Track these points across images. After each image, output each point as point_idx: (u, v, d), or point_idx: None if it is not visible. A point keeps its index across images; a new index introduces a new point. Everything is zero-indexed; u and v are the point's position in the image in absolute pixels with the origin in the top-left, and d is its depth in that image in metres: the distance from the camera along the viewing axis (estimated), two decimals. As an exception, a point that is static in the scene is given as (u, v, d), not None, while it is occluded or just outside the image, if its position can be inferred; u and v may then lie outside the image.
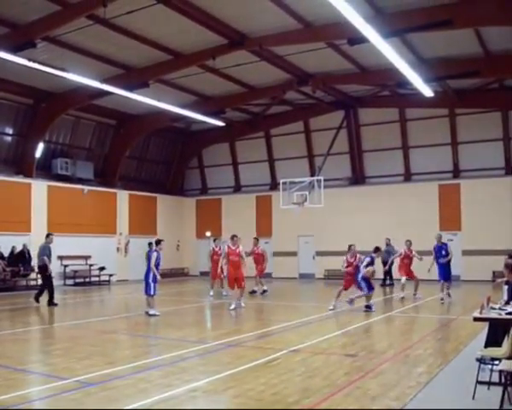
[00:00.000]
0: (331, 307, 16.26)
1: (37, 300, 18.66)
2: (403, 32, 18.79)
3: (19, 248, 25.30)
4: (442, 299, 18.35)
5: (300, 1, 17.95)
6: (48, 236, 19.30)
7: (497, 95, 27.17)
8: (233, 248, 17.08)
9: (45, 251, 18.74)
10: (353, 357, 9.70)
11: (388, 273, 24.96)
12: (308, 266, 32.15)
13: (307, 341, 11.44)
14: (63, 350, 10.74)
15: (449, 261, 18.72)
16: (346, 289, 16.76)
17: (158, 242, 16.19)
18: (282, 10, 18.49)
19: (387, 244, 25.01)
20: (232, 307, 16.81)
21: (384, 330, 13.93)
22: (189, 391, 7.56)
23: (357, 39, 16.98)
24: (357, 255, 16.74)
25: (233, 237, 17.35)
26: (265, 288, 21.87)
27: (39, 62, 19.06)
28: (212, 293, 21.19)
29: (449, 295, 18.70)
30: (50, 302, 18.45)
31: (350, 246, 17.13)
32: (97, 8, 17.31)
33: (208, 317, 17.33)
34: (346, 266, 16.68)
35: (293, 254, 32.18)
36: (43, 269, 18.71)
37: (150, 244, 19.22)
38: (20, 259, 25.20)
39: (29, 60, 18.28)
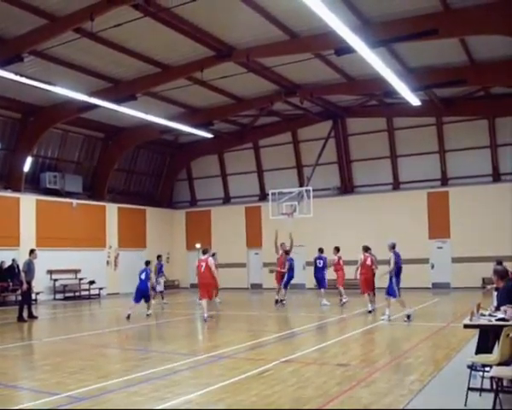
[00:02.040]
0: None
1: (20, 319, 18.53)
2: (389, 42, 18.88)
3: (8, 263, 25.14)
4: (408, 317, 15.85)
5: (287, 12, 18.03)
6: (32, 252, 19.34)
7: (484, 103, 27.41)
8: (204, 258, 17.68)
9: (25, 267, 18.85)
10: (345, 366, 9.70)
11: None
12: (298, 276, 32.00)
13: (299, 351, 11.45)
14: (54, 365, 10.66)
15: (391, 274, 16.15)
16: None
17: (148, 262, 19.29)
18: (268, 22, 18.57)
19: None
20: (209, 316, 17.30)
21: (375, 339, 13.94)
22: (182, 404, 7.54)
23: (344, 50, 17.06)
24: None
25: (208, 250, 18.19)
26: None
27: (27, 76, 19.01)
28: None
29: (408, 317, 15.82)
30: (29, 316, 18.89)
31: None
32: (84, 22, 17.33)
33: (199, 329, 17.27)
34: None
35: (284, 264, 32.15)
36: (20, 285, 18.89)
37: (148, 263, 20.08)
38: (9, 274, 25.03)
39: (16, 74, 18.23)
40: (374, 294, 18.49)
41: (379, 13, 18.23)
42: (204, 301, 17.41)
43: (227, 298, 22.75)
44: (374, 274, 18.33)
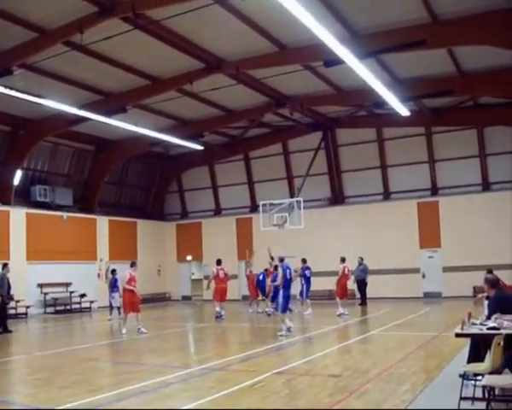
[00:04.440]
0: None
1: None
2: (378, 53, 19.02)
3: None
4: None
5: (276, 24, 18.09)
6: (5, 266, 19.50)
7: (472, 112, 27.54)
8: (134, 274, 17.91)
9: None
10: (337, 377, 9.68)
11: (364, 292, 25.45)
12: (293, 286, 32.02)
13: (290, 362, 11.42)
14: (44, 380, 10.58)
15: (279, 287, 16.37)
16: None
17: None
18: (257, 33, 18.63)
19: (360, 263, 25.42)
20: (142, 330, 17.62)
21: (367, 349, 13.92)
22: (173, 417, 7.51)
23: (333, 61, 17.15)
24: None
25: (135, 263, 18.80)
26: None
27: (16, 89, 18.93)
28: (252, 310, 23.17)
29: (288, 329, 15.92)
30: (4, 330, 19.00)
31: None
32: (74, 35, 17.31)
33: (191, 342, 17.21)
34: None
35: (275, 275, 32.13)
36: None
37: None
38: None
39: (6, 87, 18.20)
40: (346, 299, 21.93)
41: (367, 24, 18.31)
42: (131, 315, 17.80)
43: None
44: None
